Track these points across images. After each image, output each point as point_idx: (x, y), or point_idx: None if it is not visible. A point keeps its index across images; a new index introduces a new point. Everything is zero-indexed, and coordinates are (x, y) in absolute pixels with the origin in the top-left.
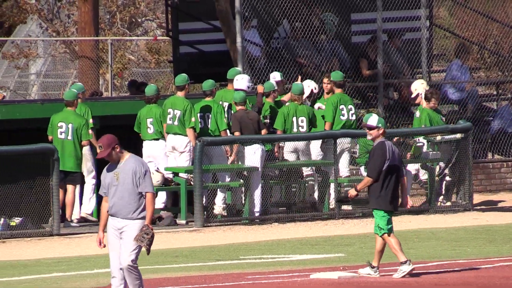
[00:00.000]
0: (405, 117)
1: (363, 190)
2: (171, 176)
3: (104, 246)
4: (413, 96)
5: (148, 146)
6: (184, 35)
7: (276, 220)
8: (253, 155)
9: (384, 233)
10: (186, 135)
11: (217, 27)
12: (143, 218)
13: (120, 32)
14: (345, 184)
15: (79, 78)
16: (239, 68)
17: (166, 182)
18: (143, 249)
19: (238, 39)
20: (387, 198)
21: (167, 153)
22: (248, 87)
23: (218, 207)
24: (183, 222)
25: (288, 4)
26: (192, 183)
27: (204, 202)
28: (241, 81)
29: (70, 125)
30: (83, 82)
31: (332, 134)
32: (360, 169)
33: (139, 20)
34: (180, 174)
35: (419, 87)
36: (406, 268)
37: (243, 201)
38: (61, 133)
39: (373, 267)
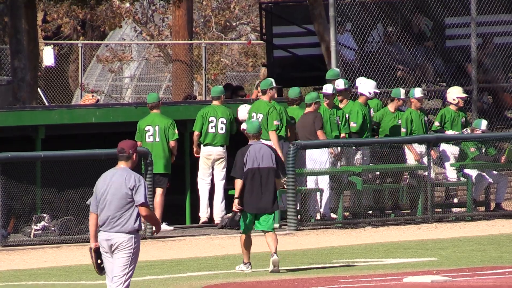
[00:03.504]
0: (500, 121)
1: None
2: None
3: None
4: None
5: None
6: (278, 39)
7: (369, 224)
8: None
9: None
10: (268, 139)
11: (311, 31)
12: None
13: (215, 36)
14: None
15: (173, 81)
16: (337, 69)
17: None
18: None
19: (332, 43)
20: (249, 199)
21: None
22: (370, 93)
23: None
24: (276, 225)
25: (382, 8)
26: (285, 186)
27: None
28: (364, 85)
29: (157, 127)
30: (177, 85)
31: (427, 138)
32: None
33: (234, 24)
34: None
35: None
36: (244, 268)
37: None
38: (149, 136)
39: (275, 265)
